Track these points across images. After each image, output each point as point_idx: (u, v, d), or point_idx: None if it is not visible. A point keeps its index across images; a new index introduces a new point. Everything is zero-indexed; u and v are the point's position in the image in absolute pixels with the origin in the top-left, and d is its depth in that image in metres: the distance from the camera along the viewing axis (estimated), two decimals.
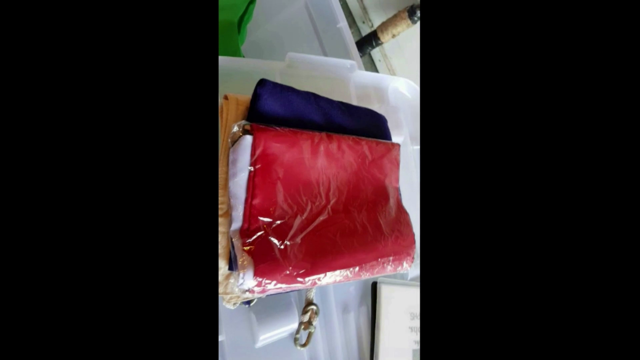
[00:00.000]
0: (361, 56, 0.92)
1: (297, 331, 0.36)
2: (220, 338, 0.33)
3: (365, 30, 1.13)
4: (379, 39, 0.99)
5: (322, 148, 0.36)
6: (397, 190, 0.43)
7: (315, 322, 0.37)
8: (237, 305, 0.32)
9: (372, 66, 1.19)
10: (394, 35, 0.98)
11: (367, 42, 1.03)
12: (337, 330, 0.40)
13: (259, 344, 0.34)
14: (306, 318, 0.37)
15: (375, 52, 1.17)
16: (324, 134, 0.36)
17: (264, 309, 0.35)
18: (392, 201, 0.41)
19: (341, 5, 0.57)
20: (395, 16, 0.96)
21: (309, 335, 0.37)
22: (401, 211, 0.41)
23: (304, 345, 0.37)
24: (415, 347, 0.43)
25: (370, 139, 0.40)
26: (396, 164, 0.42)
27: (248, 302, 0.33)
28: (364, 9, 1.13)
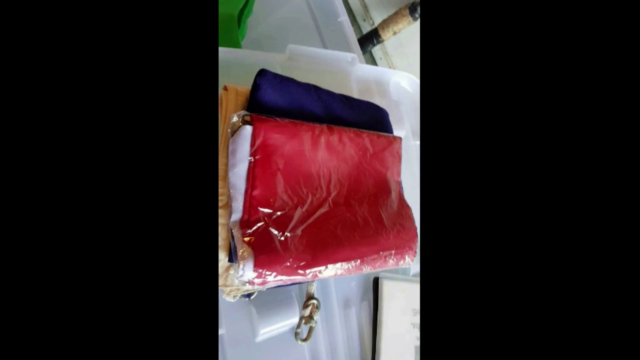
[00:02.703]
0: (362, 54, 0.92)
1: (298, 325, 0.36)
2: (220, 331, 0.33)
3: (366, 28, 1.13)
4: (379, 36, 0.99)
5: (322, 140, 0.35)
6: (399, 183, 0.42)
7: (316, 317, 0.37)
8: (237, 298, 0.32)
9: (373, 64, 1.18)
10: (395, 33, 0.97)
11: (368, 40, 1.02)
12: (339, 325, 0.39)
13: (260, 338, 0.34)
14: (307, 312, 0.37)
15: (377, 50, 1.17)
16: (324, 126, 0.36)
17: (264, 303, 0.34)
18: (393, 194, 0.40)
19: (343, 4, 0.56)
20: (396, 13, 0.95)
21: (310, 329, 0.37)
22: (403, 205, 0.41)
23: (305, 339, 0.36)
24: (417, 343, 0.43)
25: (371, 131, 0.40)
26: (398, 157, 0.42)
27: (248, 295, 0.33)
28: (365, 6, 1.13)
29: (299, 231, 0.31)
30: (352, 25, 0.93)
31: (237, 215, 0.30)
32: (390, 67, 1.17)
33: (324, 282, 0.40)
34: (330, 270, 0.32)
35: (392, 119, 0.45)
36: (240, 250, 0.29)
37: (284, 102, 0.35)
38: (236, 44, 0.54)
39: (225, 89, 0.33)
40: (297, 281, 0.32)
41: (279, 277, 0.30)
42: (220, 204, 0.31)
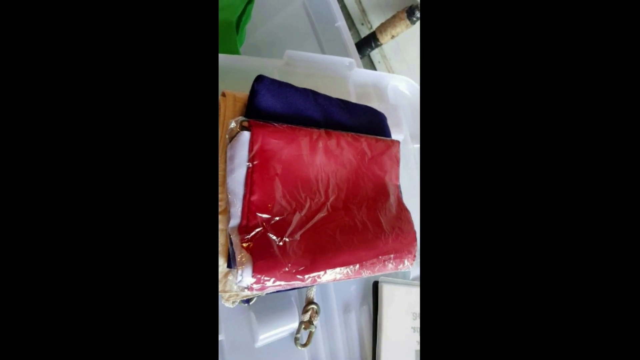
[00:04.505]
0: (361, 58, 0.92)
1: (298, 331, 0.36)
2: (220, 337, 0.33)
3: (364, 32, 1.13)
4: (378, 40, 0.99)
5: (320, 145, 0.35)
6: (398, 187, 0.42)
7: (316, 322, 0.37)
8: (236, 303, 0.32)
9: (371, 68, 1.19)
10: (393, 36, 0.98)
11: (366, 44, 1.03)
12: (339, 330, 0.39)
13: (259, 344, 0.34)
14: (307, 317, 0.36)
15: (375, 54, 1.17)
16: (322, 131, 0.36)
17: (263, 308, 0.34)
18: (392, 198, 0.40)
19: (340, 7, 0.57)
20: (394, 17, 0.96)
21: (310, 334, 0.37)
22: (402, 208, 0.41)
23: (304, 345, 0.36)
24: (418, 347, 0.43)
25: (369, 136, 0.40)
26: (396, 161, 0.42)
27: (247, 301, 0.33)
28: (363, 10, 1.13)
29: (297, 236, 0.31)
30: (351, 29, 0.93)
31: (235, 220, 0.30)
32: (388, 71, 1.17)
33: (324, 287, 0.40)
34: (329, 275, 0.32)
35: (391, 123, 0.45)
36: (239, 256, 0.29)
37: (281, 107, 0.35)
38: (235, 51, 0.54)
39: (223, 95, 0.34)
40: (296, 286, 0.32)
41: (278, 283, 0.30)
42: (218, 209, 0.31)
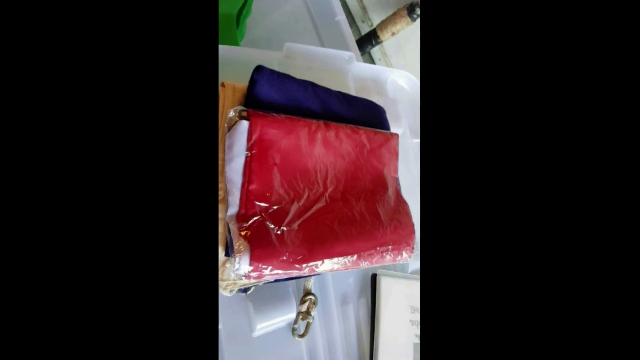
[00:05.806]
0: (361, 55, 0.92)
1: (295, 321, 0.36)
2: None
3: (365, 30, 1.13)
4: (378, 37, 1.00)
5: (319, 136, 0.35)
6: (396, 180, 0.42)
7: (313, 313, 0.37)
8: (234, 292, 0.32)
9: None
10: (393, 33, 0.98)
11: (366, 41, 1.03)
12: (336, 321, 0.39)
13: (256, 333, 0.34)
14: (304, 308, 0.37)
15: (375, 51, 1.17)
16: (321, 122, 0.36)
17: (261, 298, 0.35)
18: (390, 191, 0.40)
19: (340, 4, 0.57)
20: (394, 14, 0.96)
21: (307, 325, 0.37)
22: (400, 201, 0.41)
23: (302, 335, 0.36)
24: (416, 340, 0.43)
25: (368, 128, 0.40)
26: (395, 154, 0.42)
27: (245, 290, 0.33)
28: (364, 8, 1.13)
29: (295, 225, 0.32)
30: (351, 26, 0.94)
31: (233, 209, 0.30)
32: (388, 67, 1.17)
33: (321, 278, 0.40)
34: (327, 265, 0.32)
35: (390, 117, 0.45)
36: (237, 244, 0.29)
37: (280, 98, 0.35)
38: (235, 44, 0.54)
39: (223, 85, 0.34)
40: (294, 276, 0.32)
41: (276, 271, 0.30)
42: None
